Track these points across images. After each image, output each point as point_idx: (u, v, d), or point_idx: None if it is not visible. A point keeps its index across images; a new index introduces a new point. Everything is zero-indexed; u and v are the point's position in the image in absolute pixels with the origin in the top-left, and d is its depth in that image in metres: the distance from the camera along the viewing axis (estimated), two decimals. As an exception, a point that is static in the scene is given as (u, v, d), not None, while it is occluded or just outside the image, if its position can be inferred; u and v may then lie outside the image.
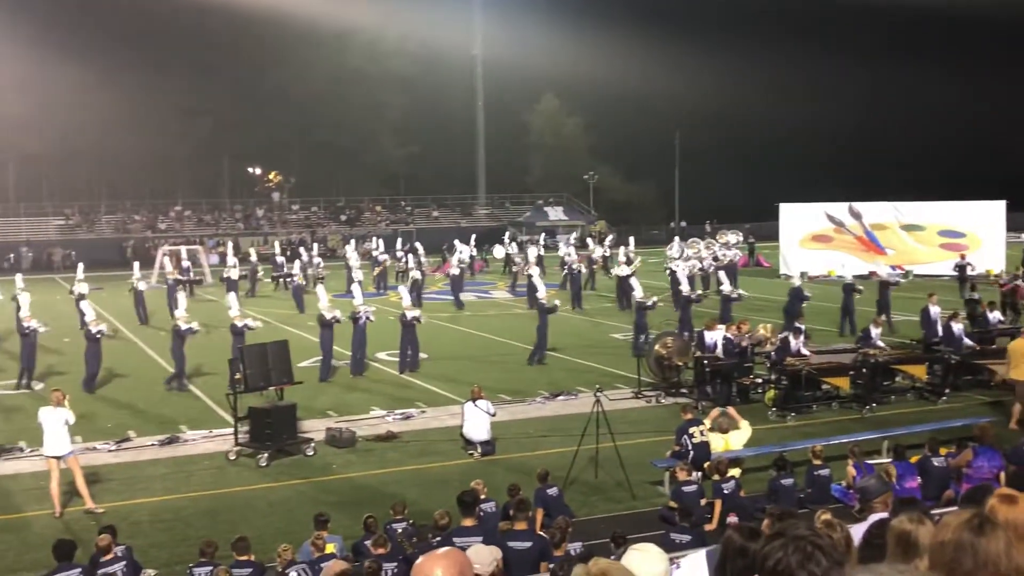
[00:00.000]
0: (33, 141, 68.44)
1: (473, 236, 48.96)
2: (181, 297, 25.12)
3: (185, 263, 42.59)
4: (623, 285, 34.37)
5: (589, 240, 51.36)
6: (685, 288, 28.08)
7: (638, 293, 25.98)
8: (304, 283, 38.25)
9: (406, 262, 40.92)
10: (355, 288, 27.22)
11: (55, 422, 14.35)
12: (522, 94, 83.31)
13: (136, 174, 77.79)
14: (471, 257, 46.66)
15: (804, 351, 20.51)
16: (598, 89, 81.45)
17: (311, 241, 63.46)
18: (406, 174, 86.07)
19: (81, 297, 28.93)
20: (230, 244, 48.19)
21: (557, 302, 26.95)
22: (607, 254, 45.43)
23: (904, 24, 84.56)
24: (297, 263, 40.43)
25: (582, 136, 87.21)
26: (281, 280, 43.50)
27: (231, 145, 78.62)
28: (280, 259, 45.12)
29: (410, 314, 24.37)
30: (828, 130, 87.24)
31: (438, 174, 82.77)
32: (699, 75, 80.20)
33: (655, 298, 27.05)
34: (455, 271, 38.60)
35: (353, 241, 49.88)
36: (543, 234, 57.94)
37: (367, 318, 24.07)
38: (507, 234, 47.62)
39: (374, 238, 51.61)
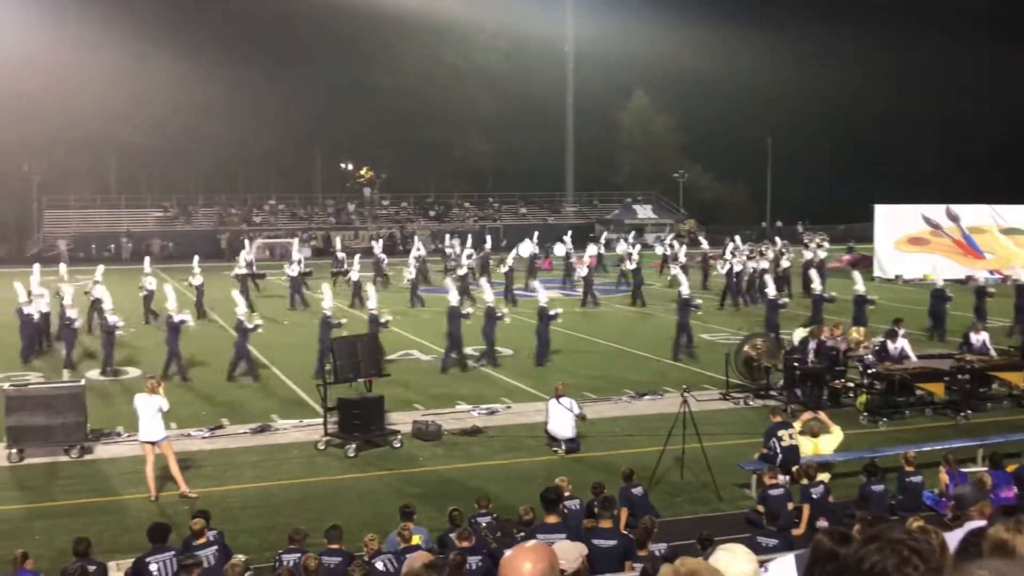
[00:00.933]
0: (133, 134, 70.45)
1: (569, 232, 48.38)
2: (238, 295, 25.31)
3: (249, 257, 42.17)
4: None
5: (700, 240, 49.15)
6: (772, 291, 27.66)
7: (684, 290, 25.90)
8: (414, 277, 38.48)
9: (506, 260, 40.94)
10: (483, 283, 27.27)
11: (150, 409, 14.77)
12: (612, 91, 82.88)
13: (232, 168, 79.65)
14: (534, 255, 46.44)
15: (911, 355, 20.07)
16: (689, 87, 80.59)
17: (400, 237, 64.07)
18: (494, 170, 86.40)
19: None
20: (295, 242, 47.49)
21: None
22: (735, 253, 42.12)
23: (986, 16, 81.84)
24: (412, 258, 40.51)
25: (672, 134, 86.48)
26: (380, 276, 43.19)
27: (324, 140, 79.85)
28: (381, 255, 45.24)
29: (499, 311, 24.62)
30: (926, 129, 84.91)
31: (526, 171, 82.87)
32: (793, 73, 78.82)
33: (699, 300, 26.84)
34: (583, 271, 37.77)
35: (447, 237, 50.40)
36: (631, 232, 57.53)
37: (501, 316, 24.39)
38: (568, 233, 47.05)
39: (447, 235, 51.97)
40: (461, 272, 36.19)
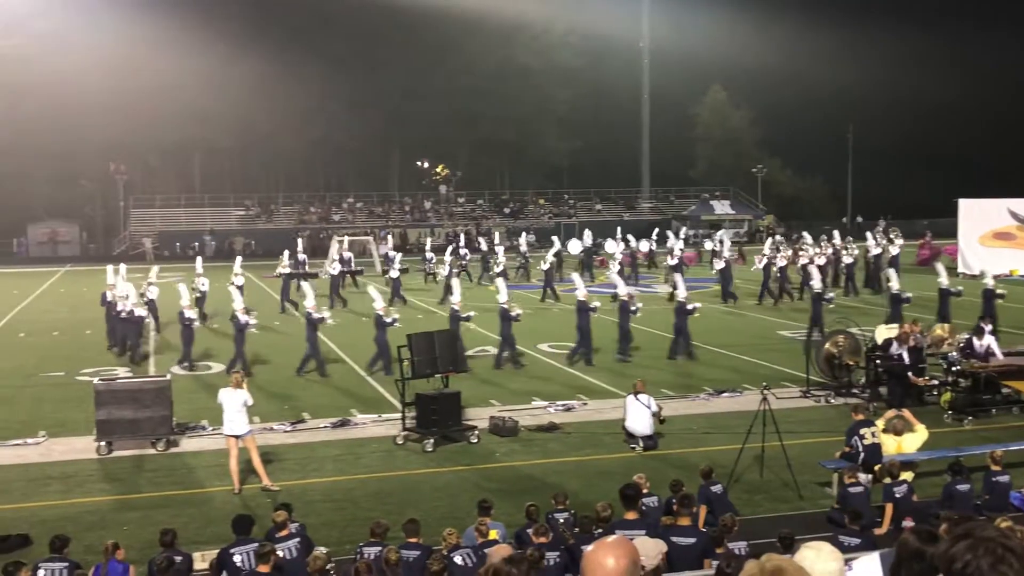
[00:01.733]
0: (216, 134, 72.01)
1: (656, 230, 48.17)
2: (307, 287, 25.44)
3: (347, 254, 42.50)
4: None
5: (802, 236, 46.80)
6: (817, 284, 27.15)
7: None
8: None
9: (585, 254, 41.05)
10: (576, 277, 27.21)
11: (234, 403, 15.06)
12: (688, 86, 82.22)
13: (311, 166, 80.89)
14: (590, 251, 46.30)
15: (997, 352, 19.56)
16: (767, 80, 79.66)
17: (476, 234, 64.31)
18: (569, 167, 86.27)
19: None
20: (346, 240, 46.64)
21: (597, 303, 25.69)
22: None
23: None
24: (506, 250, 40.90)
25: (749, 129, 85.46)
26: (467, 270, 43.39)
27: (400, 138, 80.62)
28: (464, 251, 45.59)
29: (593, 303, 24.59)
30: (1010, 122, 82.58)
31: (601, 167, 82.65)
32: (873, 65, 77.34)
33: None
34: (720, 264, 37.45)
35: (524, 234, 50.63)
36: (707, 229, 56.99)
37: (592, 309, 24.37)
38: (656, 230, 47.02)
39: (523, 233, 52.07)
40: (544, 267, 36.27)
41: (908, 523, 11.97)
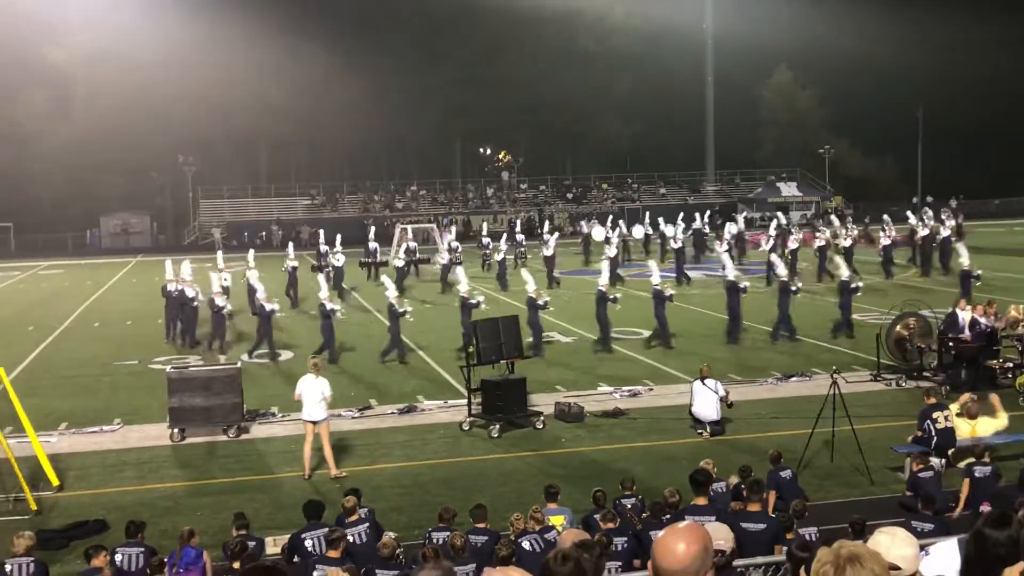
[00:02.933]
0: (282, 125, 72.86)
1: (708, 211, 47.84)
2: (322, 279, 25.59)
3: (412, 243, 42.32)
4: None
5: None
6: (845, 273, 26.53)
7: (781, 270, 25.30)
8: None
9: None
10: (652, 264, 27.08)
11: (314, 392, 15.23)
12: (753, 67, 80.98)
13: (375, 156, 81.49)
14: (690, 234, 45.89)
15: None
16: (834, 60, 78.11)
17: (538, 220, 64.26)
18: (631, 151, 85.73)
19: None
20: (409, 229, 45.85)
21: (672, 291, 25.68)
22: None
23: None
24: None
25: (816, 109, 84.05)
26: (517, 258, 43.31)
27: (462, 127, 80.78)
28: (520, 236, 45.53)
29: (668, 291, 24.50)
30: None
31: (664, 151, 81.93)
32: (944, 42, 75.48)
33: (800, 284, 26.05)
34: (794, 244, 37.24)
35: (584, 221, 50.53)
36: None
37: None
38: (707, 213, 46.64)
39: (587, 219, 51.96)
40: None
41: (985, 508, 11.70)
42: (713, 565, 3.38)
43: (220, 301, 25.22)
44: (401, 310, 23.38)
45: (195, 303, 26.38)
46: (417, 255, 41.80)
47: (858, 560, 3.05)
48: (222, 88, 67.87)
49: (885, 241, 36.15)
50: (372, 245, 41.92)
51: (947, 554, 4.58)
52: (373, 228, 44.65)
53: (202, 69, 66.27)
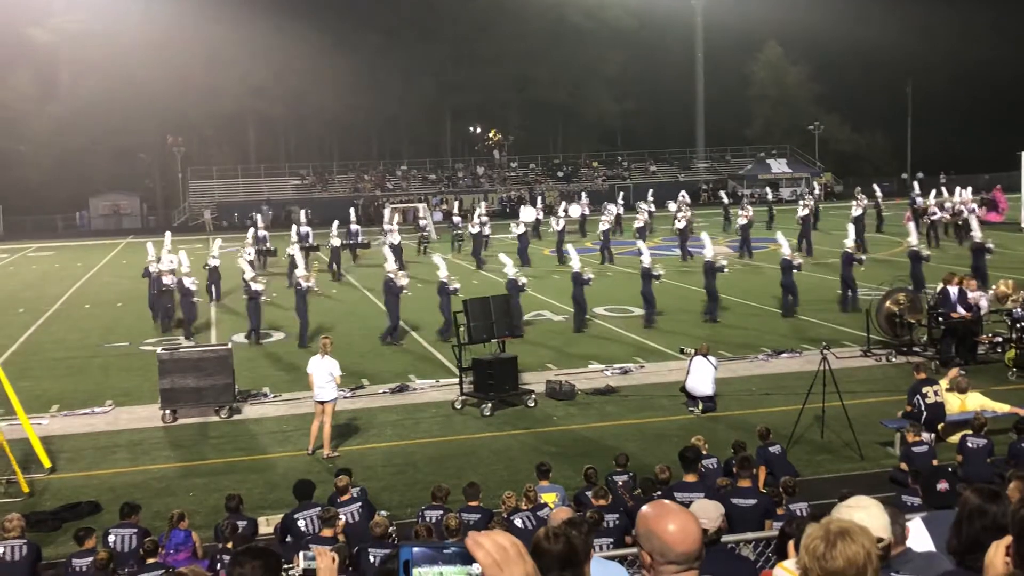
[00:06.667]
0: (270, 105, 72.56)
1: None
2: (388, 252, 25.72)
3: (355, 226, 42.02)
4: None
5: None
6: (913, 238, 26.61)
7: (786, 251, 25.27)
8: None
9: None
10: (641, 244, 27.08)
11: (323, 371, 15.21)
12: (743, 43, 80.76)
13: (365, 135, 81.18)
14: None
15: None
16: (823, 36, 77.86)
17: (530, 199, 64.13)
18: (622, 129, 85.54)
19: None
20: (352, 210, 46.29)
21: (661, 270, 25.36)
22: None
23: None
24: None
25: (806, 85, 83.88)
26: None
27: (453, 105, 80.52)
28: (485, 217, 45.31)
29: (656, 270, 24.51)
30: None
31: (655, 128, 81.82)
32: (932, 17, 75.32)
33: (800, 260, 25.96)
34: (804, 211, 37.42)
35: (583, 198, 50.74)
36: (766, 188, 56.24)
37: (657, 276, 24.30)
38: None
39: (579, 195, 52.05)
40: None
41: (942, 486, 11.52)
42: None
43: (189, 284, 24.97)
44: (400, 284, 23.31)
45: (167, 289, 26.01)
46: (360, 238, 41.30)
47: (848, 535, 3.07)
48: (209, 68, 67.50)
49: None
50: (354, 227, 41.60)
51: (916, 530, 4.62)
52: (353, 209, 44.94)
53: (189, 48, 65.93)
